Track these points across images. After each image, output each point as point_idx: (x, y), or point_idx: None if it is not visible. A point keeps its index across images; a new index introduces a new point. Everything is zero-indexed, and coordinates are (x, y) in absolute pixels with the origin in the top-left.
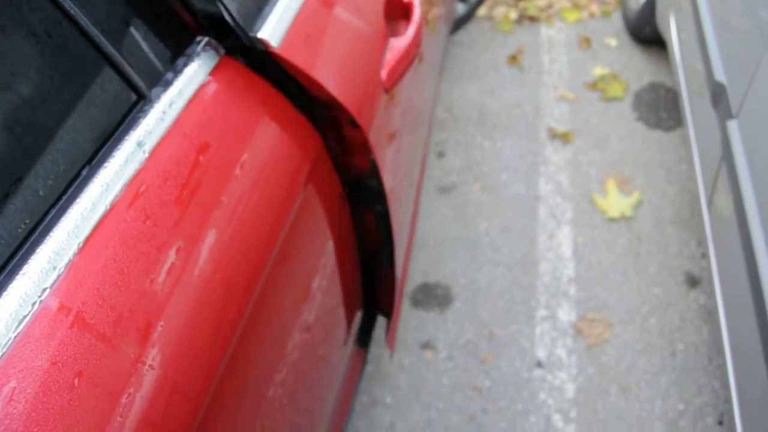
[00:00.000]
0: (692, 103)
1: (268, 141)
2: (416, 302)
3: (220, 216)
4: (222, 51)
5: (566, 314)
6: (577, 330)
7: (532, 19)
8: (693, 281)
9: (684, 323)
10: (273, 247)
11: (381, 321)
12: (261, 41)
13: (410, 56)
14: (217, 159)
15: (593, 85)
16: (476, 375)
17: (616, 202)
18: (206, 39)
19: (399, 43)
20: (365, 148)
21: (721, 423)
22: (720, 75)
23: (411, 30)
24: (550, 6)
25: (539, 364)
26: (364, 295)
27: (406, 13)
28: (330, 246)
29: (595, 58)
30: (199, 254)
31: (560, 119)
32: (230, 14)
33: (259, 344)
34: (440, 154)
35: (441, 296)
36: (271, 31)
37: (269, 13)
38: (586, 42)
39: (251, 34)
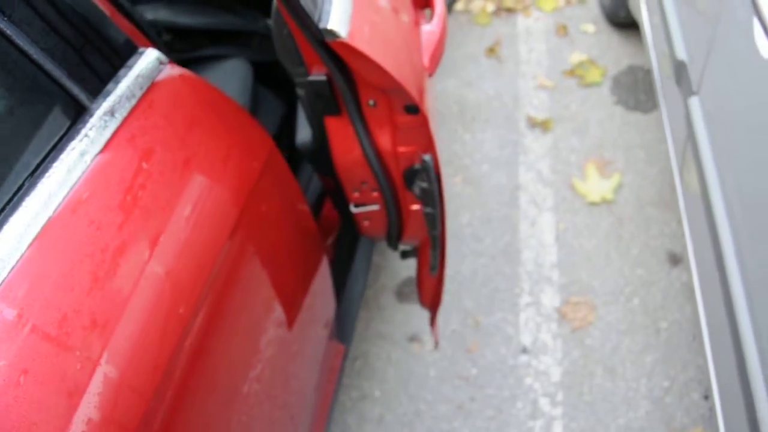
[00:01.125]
0: (663, 83)
1: (214, 144)
2: (402, 296)
3: (166, 218)
4: (165, 60)
5: (550, 299)
6: (561, 314)
7: (509, 11)
8: (675, 260)
9: (667, 301)
10: (222, 246)
11: (364, 316)
12: (331, 32)
13: (444, 41)
14: (162, 164)
15: (571, 72)
16: (463, 364)
17: (596, 187)
18: (149, 50)
19: (433, 29)
20: (423, 134)
21: (706, 398)
22: (681, 53)
23: (439, 16)
24: None
25: (525, 350)
26: (338, 290)
27: (424, 3)
28: (289, 243)
29: (572, 45)
30: (144, 255)
31: (539, 107)
32: (301, 7)
33: (216, 341)
34: None
35: None
36: (338, 22)
37: (329, 6)
38: (563, 29)
39: (321, 26)
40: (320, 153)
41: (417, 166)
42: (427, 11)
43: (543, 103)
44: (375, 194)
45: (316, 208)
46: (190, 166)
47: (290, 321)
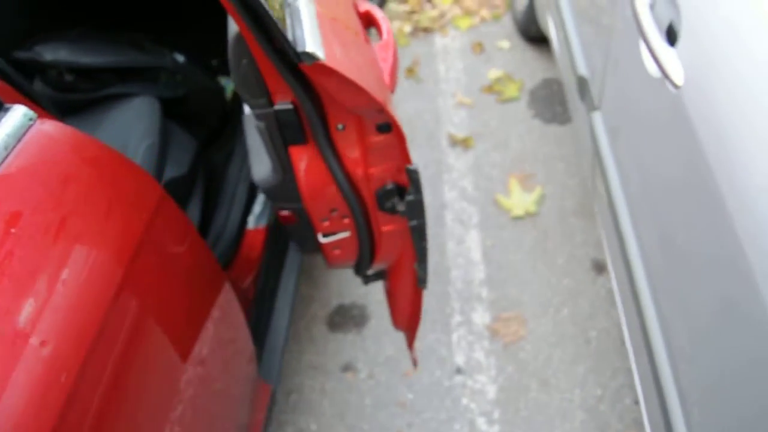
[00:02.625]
0: (570, 98)
1: (93, 199)
2: (333, 326)
3: (39, 284)
4: (34, 116)
5: (481, 317)
6: (492, 331)
7: (426, 30)
8: (599, 267)
9: (594, 310)
10: (107, 305)
11: (296, 348)
12: (310, 54)
13: (398, 58)
14: (33, 227)
15: (489, 88)
16: (399, 390)
17: (519, 201)
18: (15, 107)
19: (385, 47)
20: (395, 152)
21: (637, 402)
22: (582, 69)
23: (388, 32)
24: (442, 16)
25: (459, 370)
26: (262, 327)
27: (367, 22)
28: (187, 290)
29: (489, 61)
30: (14, 327)
31: (460, 125)
32: (279, 31)
33: (115, 400)
34: None
35: (357, 316)
36: (314, 45)
37: (300, 30)
38: (479, 47)
39: (300, 50)
40: (281, 186)
41: (389, 185)
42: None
43: (463, 121)
44: (346, 221)
45: (234, 246)
46: (65, 226)
47: (198, 367)
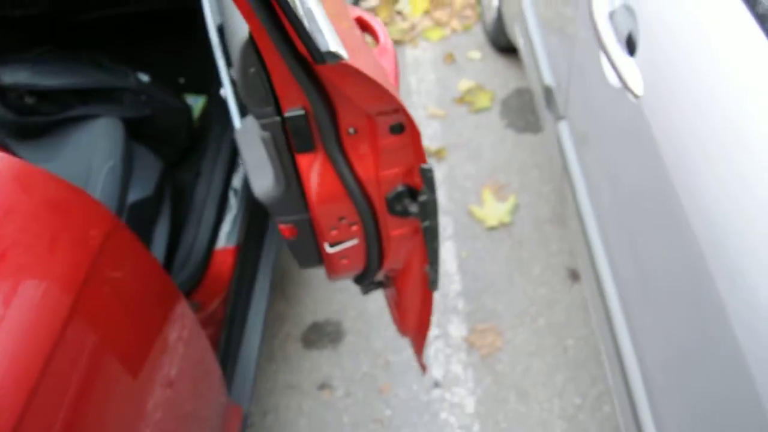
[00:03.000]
0: (539, 107)
1: (37, 230)
2: (308, 343)
3: None
4: None
5: (457, 329)
6: (469, 343)
7: (397, 43)
8: (575, 275)
9: (571, 318)
10: (54, 338)
11: (270, 368)
12: (334, 54)
13: (397, 63)
14: None
15: (461, 99)
16: (376, 406)
17: (493, 211)
18: None
19: (384, 52)
20: (407, 153)
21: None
22: (548, 78)
23: (386, 35)
24: (413, 28)
25: (437, 384)
26: (231, 351)
27: (362, 28)
28: (144, 316)
29: (460, 72)
30: None
31: (433, 137)
32: (305, 30)
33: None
34: None
35: (332, 333)
36: (336, 44)
37: (318, 32)
38: (450, 58)
39: (324, 49)
40: (285, 199)
41: (400, 188)
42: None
43: (436, 133)
44: (354, 228)
45: (202, 267)
46: (5, 260)
47: (160, 393)
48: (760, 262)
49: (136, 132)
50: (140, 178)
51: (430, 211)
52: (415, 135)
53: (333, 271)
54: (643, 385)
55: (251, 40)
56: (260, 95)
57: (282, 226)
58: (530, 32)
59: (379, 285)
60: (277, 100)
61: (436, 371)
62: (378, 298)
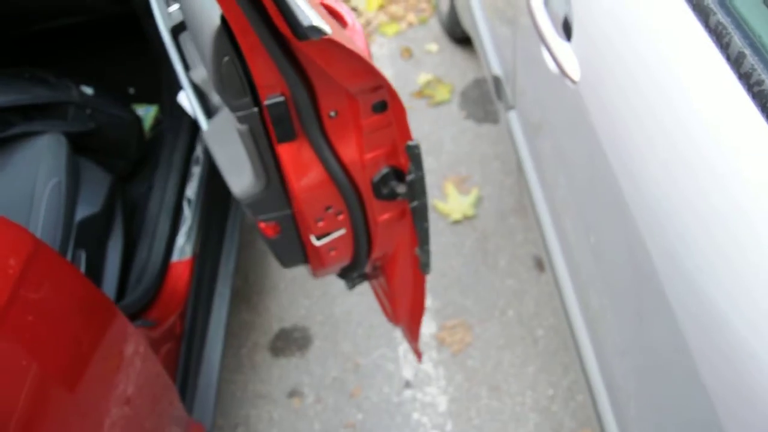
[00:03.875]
0: (493, 97)
1: None
2: (276, 351)
3: None
4: None
5: (426, 327)
6: (439, 340)
7: None
8: (542, 265)
9: (540, 308)
10: None
11: (239, 378)
12: (317, 28)
13: (367, 44)
14: None
15: (420, 93)
16: (348, 411)
17: (456, 204)
18: None
19: (355, 31)
20: (390, 132)
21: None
22: (496, 68)
23: (351, 20)
24: (368, 23)
25: (408, 385)
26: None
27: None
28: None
29: (418, 66)
30: None
31: None
32: (287, 5)
33: None
34: None
35: (300, 339)
36: (318, 20)
37: (298, 9)
38: (407, 52)
39: (307, 24)
40: (266, 195)
41: (385, 170)
42: None
43: None
44: (341, 218)
45: (158, 281)
46: None
47: (105, 415)
48: (696, 243)
49: (82, 147)
50: (88, 194)
51: (418, 190)
52: (400, 111)
53: (321, 265)
54: (601, 375)
55: (224, 28)
56: (236, 85)
57: (263, 225)
58: (477, 21)
59: (365, 277)
60: (253, 89)
61: (406, 371)
62: (344, 302)
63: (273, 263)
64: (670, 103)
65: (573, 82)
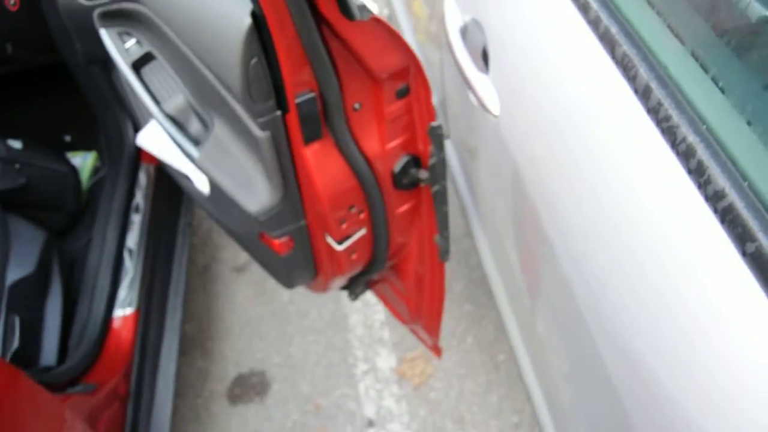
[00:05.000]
0: None
1: None
2: (234, 399)
3: None
4: None
5: (386, 361)
6: (400, 374)
7: None
8: None
9: (499, 332)
10: None
11: (196, 430)
12: (365, 7)
13: None
14: None
15: None
16: None
17: None
18: None
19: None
20: (410, 119)
21: None
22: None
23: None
24: None
25: (371, 423)
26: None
27: None
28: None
29: None
30: None
31: None
32: None
33: None
34: None
35: (258, 384)
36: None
37: None
38: None
39: (359, 2)
40: (284, 207)
41: (404, 158)
42: None
43: None
44: (362, 216)
45: (100, 340)
46: None
47: None
48: (611, 283)
49: (13, 203)
50: (20, 254)
51: (439, 173)
52: (425, 90)
53: (339, 272)
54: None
55: (255, 27)
56: (262, 88)
57: (277, 243)
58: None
59: (369, 285)
60: (277, 92)
61: (368, 409)
62: (301, 341)
63: (226, 307)
64: (584, 143)
65: (493, 116)
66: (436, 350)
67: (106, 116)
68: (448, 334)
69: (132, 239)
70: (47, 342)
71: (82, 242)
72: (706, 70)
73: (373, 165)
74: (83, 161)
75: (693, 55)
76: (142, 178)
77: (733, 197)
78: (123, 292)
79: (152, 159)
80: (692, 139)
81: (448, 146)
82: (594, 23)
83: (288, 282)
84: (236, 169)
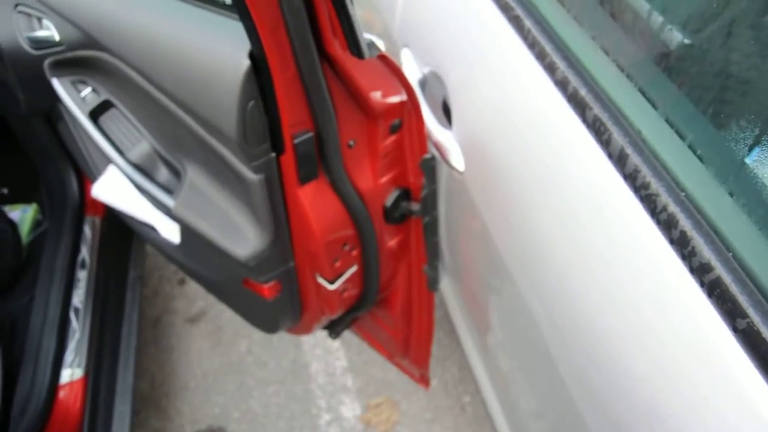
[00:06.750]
0: None
1: None
2: None
3: None
4: None
5: (350, 409)
6: (365, 422)
7: None
8: None
9: (463, 372)
10: None
11: None
12: (374, 46)
13: None
14: None
15: None
16: None
17: None
18: None
19: None
20: (402, 152)
21: None
22: None
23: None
24: None
25: None
26: None
27: None
28: None
29: None
30: None
31: None
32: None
33: None
34: (181, 281)
35: None
36: (373, 37)
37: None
38: None
39: (368, 39)
40: (273, 250)
41: (395, 192)
42: None
43: None
44: (354, 253)
45: (46, 408)
46: None
47: None
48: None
49: None
50: None
51: (430, 204)
52: (419, 122)
53: (330, 311)
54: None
55: (252, 70)
56: (258, 131)
57: (265, 287)
58: None
59: (347, 326)
60: (272, 133)
61: None
62: (261, 393)
63: (180, 360)
64: (554, 206)
65: (459, 172)
66: (424, 381)
67: (47, 168)
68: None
69: (78, 297)
70: None
71: (24, 301)
72: (682, 138)
73: (366, 201)
74: (23, 214)
75: (667, 121)
76: (87, 231)
77: (719, 270)
78: (70, 356)
79: (97, 211)
80: (673, 208)
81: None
82: (561, 84)
83: (272, 327)
84: (219, 216)
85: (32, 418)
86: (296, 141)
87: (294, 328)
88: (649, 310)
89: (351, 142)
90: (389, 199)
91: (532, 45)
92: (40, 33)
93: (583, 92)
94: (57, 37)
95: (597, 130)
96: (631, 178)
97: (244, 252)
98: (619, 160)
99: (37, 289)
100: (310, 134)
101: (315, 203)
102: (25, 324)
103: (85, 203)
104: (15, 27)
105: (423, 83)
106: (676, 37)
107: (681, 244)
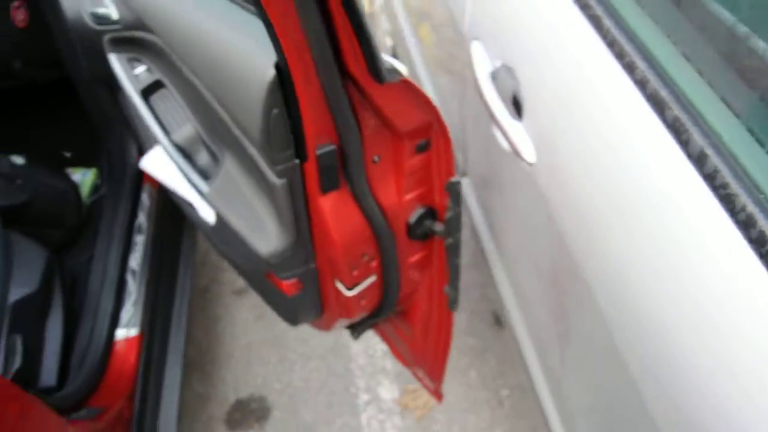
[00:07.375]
0: None
1: None
2: (232, 425)
3: None
4: None
5: (388, 391)
6: (402, 405)
7: None
8: (500, 321)
9: (503, 366)
10: None
11: None
12: (396, 70)
13: None
14: None
15: None
16: None
17: None
18: None
19: None
20: (429, 172)
21: None
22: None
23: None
24: None
25: None
26: None
27: None
28: None
29: None
30: None
31: None
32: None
33: None
34: None
35: (257, 410)
36: (393, 62)
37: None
38: None
39: (388, 65)
40: (294, 250)
41: (420, 210)
42: None
43: None
44: (373, 264)
45: (102, 363)
46: None
47: None
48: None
49: (14, 220)
50: (23, 272)
51: (454, 226)
52: (446, 145)
53: (348, 316)
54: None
55: (278, 78)
56: (282, 138)
57: (286, 283)
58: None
59: (368, 326)
60: (296, 141)
61: None
62: (303, 368)
63: (226, 330)
64: (630, 201)
65: (528, 164)
66: (438, 395)
67: (108, 135)
68: (451, 367)
69: (135, 260)
70: (47, 362)
71: (83, 259)
72: (761, 144)
73: (389, 216)
74: (83, 178)
75: (746, 126)
76: (145, 198)
77: None
78: (126, 314)
79: (155, 181)
80: (752, 209)
81: (467, 185)
82: (641, 84)
83: (292, 319)
84: (247, 210)
85: (90, 371)
86: (319, 153)
87: (316, 323)
88: (729, 308)
89: (376, 158)
90: (413, 216)
91: (611, 44)
92: (101, 10)
93: (663, 93)
94: (115, 16)
95: (677, 130)
96: (710, 178)
97: (266, 249)
98: (698, 161)
99: (96, 249)
100: (333, 147)
101: (335, 212)
102: (85, 281)
103: (143, 172)
104: (81, 1)
105: (494, 75)
106: (759, 45)
107: (759, 244)
